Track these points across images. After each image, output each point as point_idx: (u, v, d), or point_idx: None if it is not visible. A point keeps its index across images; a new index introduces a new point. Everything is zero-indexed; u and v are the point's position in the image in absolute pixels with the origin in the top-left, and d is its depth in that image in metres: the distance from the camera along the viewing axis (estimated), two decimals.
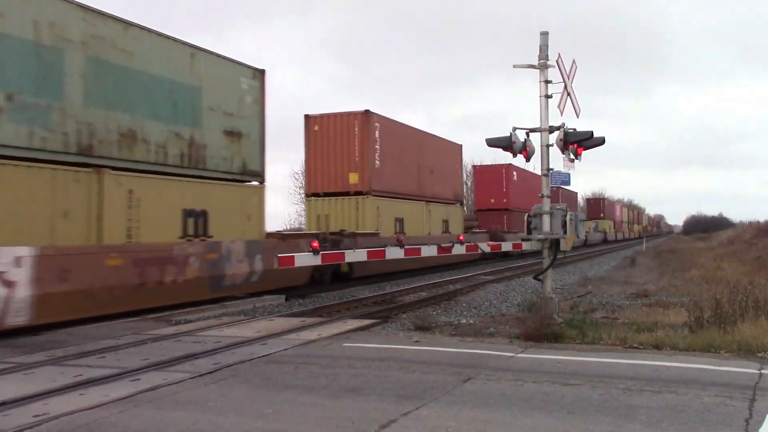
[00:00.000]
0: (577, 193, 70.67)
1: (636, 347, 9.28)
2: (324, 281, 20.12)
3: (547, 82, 12.04)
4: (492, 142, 12.57)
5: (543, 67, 12.06)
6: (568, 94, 12.07)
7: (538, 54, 12.07)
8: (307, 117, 23.71)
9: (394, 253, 12.86)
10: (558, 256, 12.25)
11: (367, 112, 22.82)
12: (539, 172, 12.48)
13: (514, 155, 12.36)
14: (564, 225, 11.98)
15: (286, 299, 16.98)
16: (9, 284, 10.83)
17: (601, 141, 12.07)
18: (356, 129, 22.95)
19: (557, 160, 12.30)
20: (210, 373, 7.85)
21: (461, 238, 16.65)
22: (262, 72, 17.97)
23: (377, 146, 23.31)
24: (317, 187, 23.89)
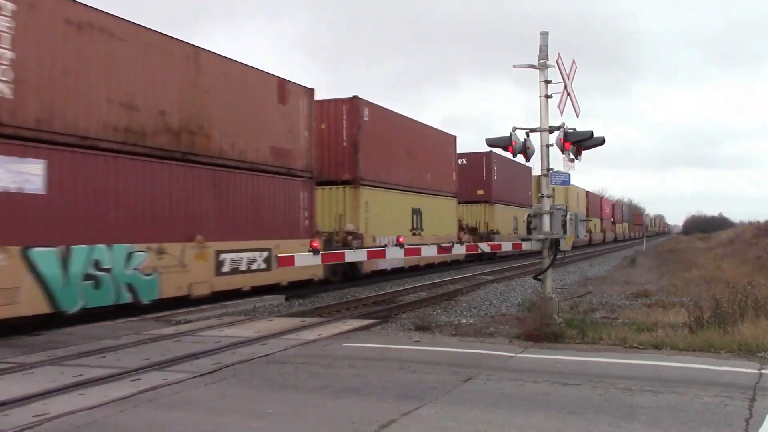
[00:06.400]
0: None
1: (636, 347, 9.28)
2: None
3: (547, 82, 12.04)
4: (492, 142, 12.59)
5: (543, 67, 12.05)
6: (568, 94, 12.07)
7: (538, 54, 12.06)
8: None
9: (394, 253, 12.83)
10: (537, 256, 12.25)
11: None
12: (538, 172, 12.49)
13: (514, 155, 12.37)
14: (564, 225, 11.98)
15: (286, 299, 16.98)
16: None
17: (601, 141, 12.07)
18: None
19: (557, 160, 12.30)
20: (210, 373, 7.85)
21: (461, 237, 16.61)
22: None
23: None
24: None
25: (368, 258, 12.95)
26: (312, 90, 19.45)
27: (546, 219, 12.05)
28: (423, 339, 10.38)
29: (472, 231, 33.85)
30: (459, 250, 13.87)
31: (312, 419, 5.91)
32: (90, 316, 12.23)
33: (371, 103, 23.07)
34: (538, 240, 12.15)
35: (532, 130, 12.25)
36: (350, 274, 21.45)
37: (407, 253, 12.97)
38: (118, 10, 13.42)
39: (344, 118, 22.00)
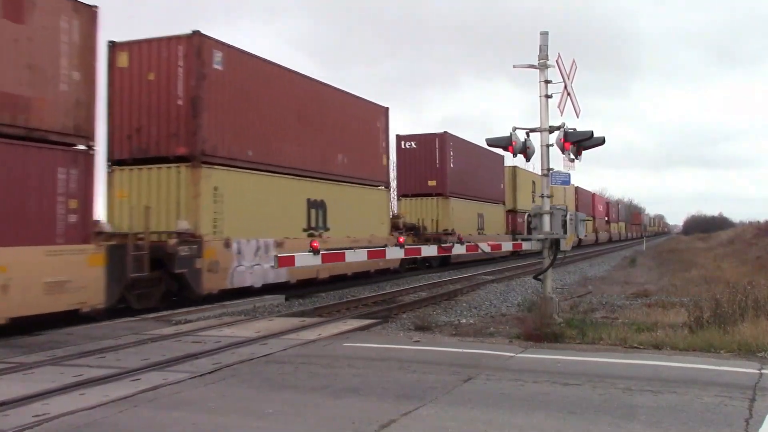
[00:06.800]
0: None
1: (636, 347, 9.28)
2: None
3: (547, 82, 12.05)
4: (492, 142, 12.60)
5: (543, 66, 12.05)
6: (568, 94, 12.07)
7: (538, 54, 12.07)
8: None
9: (394, 253, 12.81)
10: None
11: None
12: (539, 172, 12.49)
13: (515, 155, 12.38)
14: (564, 225, 11.99)
15: (286, 299, 16.98)
16: None
17: (601, 141, 12.07)
18: None
19: (557, 160, 12.31)
20: (210, 373, 7.85)
21: (462, 238, 16.57)
22: None
23: None
24: None
25: (368, 258, 12.87)
26: (93, 8, 12.37)
27: (546, 219, 12.06)
28: (423, 339, 10.37)
29: (414, 231, 27.62)
30: (459, 250, 13.82)
31: (312, 419, 5.91)
32: (89, 316, 12.23)
33: (228, 45, 16.17)
34: (538, 240, 12.16)
35: (532, 130, 12.25)
36: (178, 295, 14.81)
37: (407, 253, 12.95)
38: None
39: (180, 64, 15.17)
